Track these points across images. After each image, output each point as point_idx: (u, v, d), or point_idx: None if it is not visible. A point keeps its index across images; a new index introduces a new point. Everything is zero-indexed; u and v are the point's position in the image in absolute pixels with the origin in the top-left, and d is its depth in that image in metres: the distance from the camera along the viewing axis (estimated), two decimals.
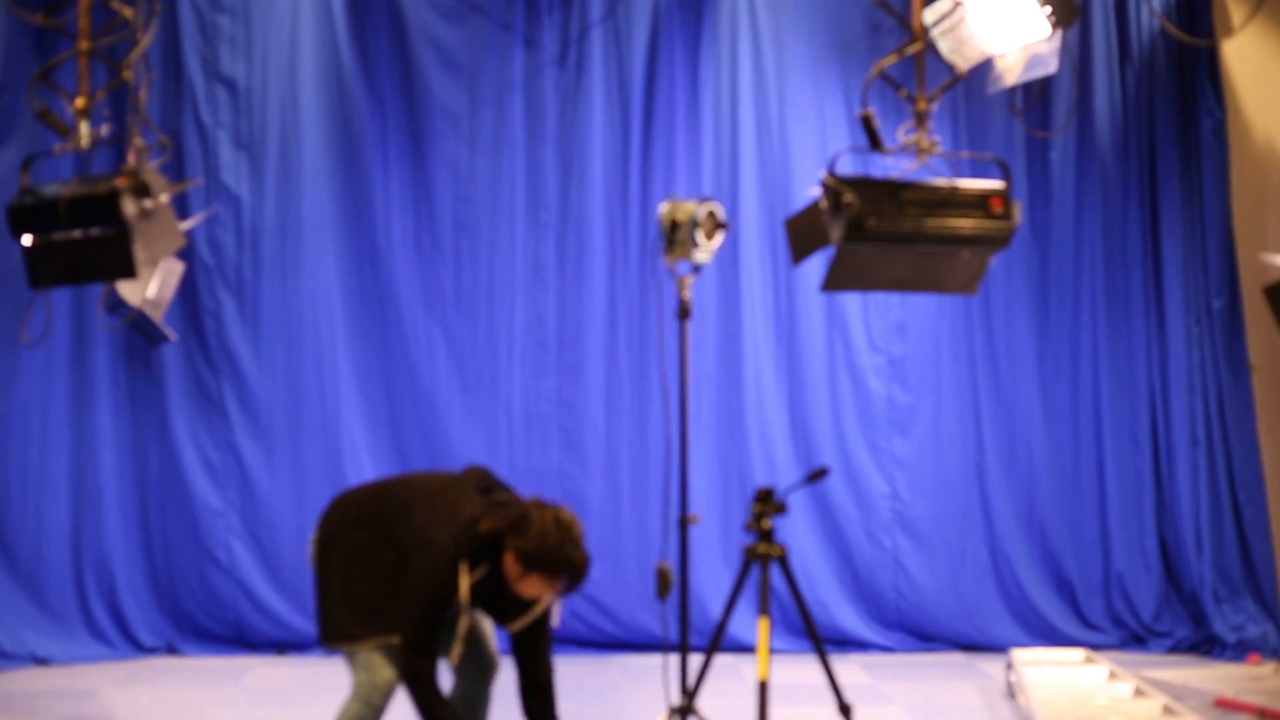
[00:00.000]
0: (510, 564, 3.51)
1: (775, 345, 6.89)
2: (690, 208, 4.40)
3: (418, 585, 3.55)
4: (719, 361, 6.85)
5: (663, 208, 4.44)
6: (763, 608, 3.79)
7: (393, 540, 3.66)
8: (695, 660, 4.26)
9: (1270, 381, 6.47)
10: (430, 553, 3.56)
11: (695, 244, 4.40)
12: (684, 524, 4.47)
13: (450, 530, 3.56)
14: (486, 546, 3.55)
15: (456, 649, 3.62)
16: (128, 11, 5.64)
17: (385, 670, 3.65)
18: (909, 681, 6.05)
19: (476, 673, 3.86)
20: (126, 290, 6.00)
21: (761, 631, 3.78)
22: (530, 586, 3.52)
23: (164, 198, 5.64)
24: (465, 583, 3.53)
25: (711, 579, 6.69)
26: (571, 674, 5.30)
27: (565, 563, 3.48)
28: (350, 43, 6.72)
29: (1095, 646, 6.46)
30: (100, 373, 6.55)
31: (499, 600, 3.64)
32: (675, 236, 4.37)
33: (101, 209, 5.36)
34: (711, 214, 4.44)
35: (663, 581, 4.13)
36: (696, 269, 4.52)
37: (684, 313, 4.46)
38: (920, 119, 5.34)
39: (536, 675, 3.69)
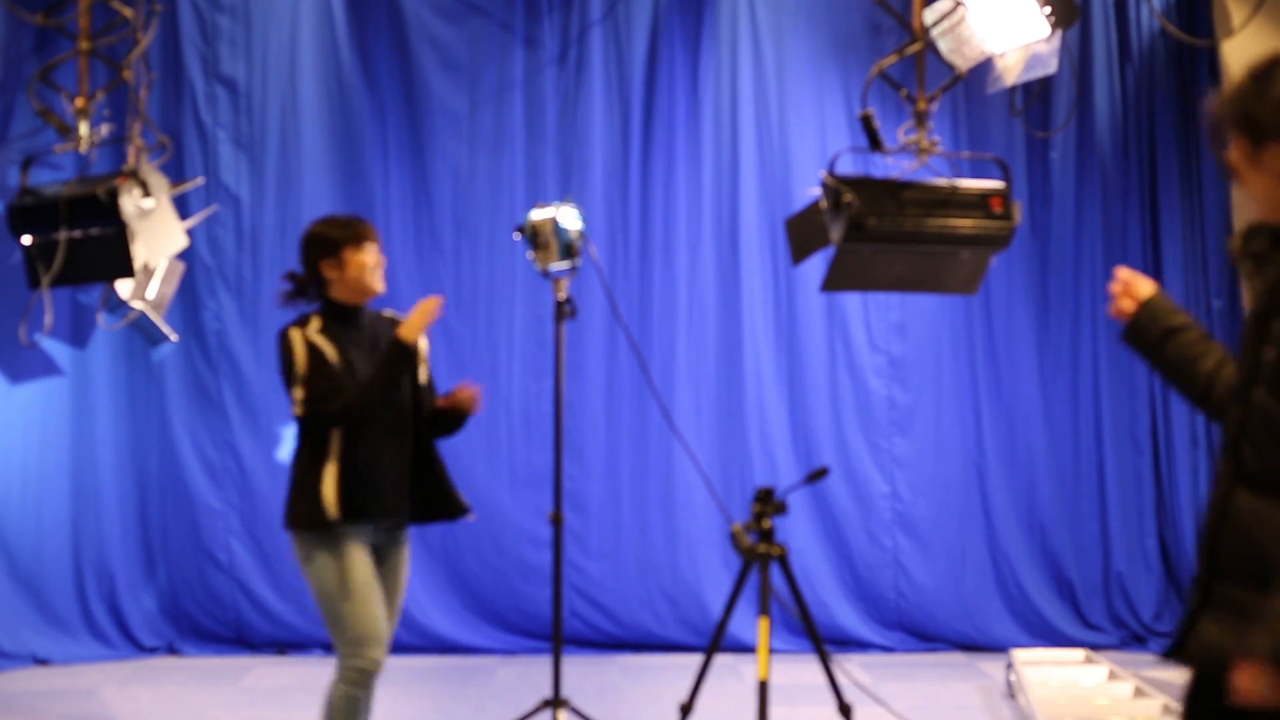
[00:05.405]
0: (330, 270, 3.79)
1: (775, 345, 6.89)
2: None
3: (285, 369, 3.76)
4: (719, 361, 6.85)
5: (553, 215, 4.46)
6: (763, 608, 3.79)
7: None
8: (695, 660, 4.25)
9: None
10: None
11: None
12: (555, 522, 4.62)
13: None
14: (308, 302, 3.87)
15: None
16: (128, 11, 5.66)
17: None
18: (909, 681, 6.05)
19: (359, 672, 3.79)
20: (126, 290, 6.01)
21: (761, 631, 3.78)
22: (356, 262, 3.80)
23: (164, 197, 5.66)
24: (299, 339, 3.75)
25: (711, 579, 6.69)
26: (572, 674, 5.30)
27: (345, 221, 3.86)
28: (350, 43, 6.72)
29: (1095, 646, 6.46)
30: (100, 373, 6.54)
31: (376, 347, 3.86)
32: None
33: (101, 209, 5.37)
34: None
35: (739, 543, 4.03)
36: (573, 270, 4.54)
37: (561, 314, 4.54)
38: (920, 119, 5.35)
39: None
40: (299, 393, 3.73)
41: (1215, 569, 2.14)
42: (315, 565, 3.79)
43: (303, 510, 3.77)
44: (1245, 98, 2.16)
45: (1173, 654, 2.23)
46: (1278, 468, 2.08)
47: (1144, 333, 2.41)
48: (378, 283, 3.87)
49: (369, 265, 3.83)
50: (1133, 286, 2.43)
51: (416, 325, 3.83)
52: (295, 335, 3.76)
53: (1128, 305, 2.43)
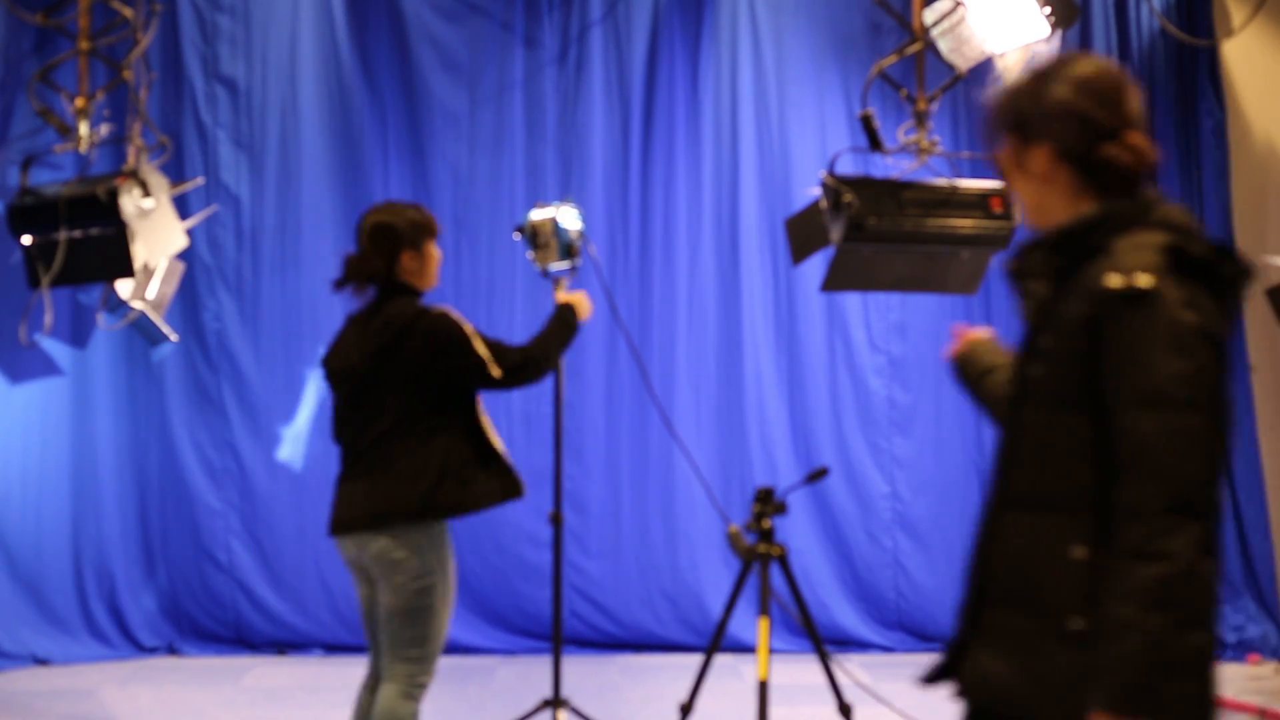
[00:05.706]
0: (411, 260, 3.69)
1: (775, 345, 6.89)
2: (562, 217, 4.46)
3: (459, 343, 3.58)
4: (719, 362, 6.85)
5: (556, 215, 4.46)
6: (763, 608, 3.79)
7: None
8: (695, 660, 4.26)
9: (1270, 381, 6.47)
10: (431, 330, 3.58)
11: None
12: (555, 522, 4.70)
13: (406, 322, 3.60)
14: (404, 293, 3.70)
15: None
16: (128, 11, 5.66)
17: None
18: (909, 681, 6.04)
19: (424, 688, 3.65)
20: (126, 290, 6.01)
21: (761, 631, 3.78)
22: (434, 254, 3.76)
23: (164, 197, 5.66)
24: (454, 311, 3.64)
25: (711, 579, 6.69)
26: (572, 674, 5.29)
27: (420, 210, 3.79)
28: (350, 43, 6.72)
29: None
30: (100, 373, 6.54)
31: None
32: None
33: (101, 209, 5.37)
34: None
35: (736, 545, 4.01)
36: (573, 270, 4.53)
37: None
38: (920, 119, 5.35)
39: None
40: (486, 351, 3.58)
41: (985, 596, 2.06)
42: (431, 568, 3.47)
43: (470, 492, 3.51)
44: (1020, 96, 2.11)
45: (935, 681, 2.16)
46: (1050, 487, 1.99)
47: (963, 372, 2.57)
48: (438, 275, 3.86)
49: (440, 258, 3.82)
50: (967, 332, 2.59)
51: (584, 304, 3.91)
52: (451, 310, 3.65)
53: (958, 346, 2.57)
